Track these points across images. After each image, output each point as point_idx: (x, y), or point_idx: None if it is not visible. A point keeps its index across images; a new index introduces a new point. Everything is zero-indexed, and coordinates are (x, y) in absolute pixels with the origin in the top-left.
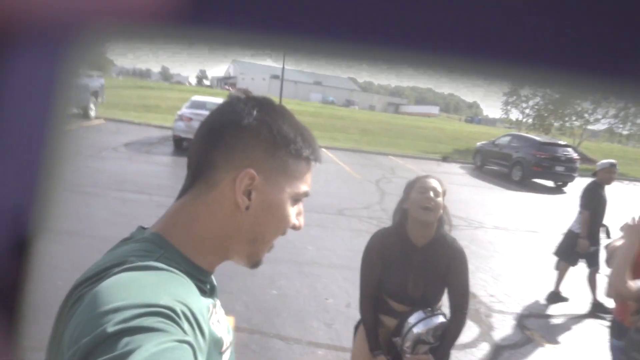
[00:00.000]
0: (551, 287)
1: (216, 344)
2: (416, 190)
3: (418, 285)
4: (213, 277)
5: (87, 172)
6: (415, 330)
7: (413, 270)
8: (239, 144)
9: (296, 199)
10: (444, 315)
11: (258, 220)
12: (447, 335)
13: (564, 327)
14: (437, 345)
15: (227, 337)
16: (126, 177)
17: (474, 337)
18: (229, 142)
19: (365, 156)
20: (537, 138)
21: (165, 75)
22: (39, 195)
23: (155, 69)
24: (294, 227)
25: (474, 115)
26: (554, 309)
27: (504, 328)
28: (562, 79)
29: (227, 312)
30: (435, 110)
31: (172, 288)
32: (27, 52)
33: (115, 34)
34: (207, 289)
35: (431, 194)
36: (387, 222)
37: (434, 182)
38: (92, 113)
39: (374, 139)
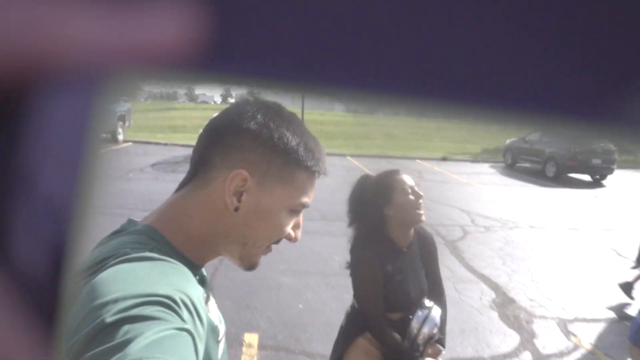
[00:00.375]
0: (594, 288)
1: (213, 332)
2: (401, 192)
3: (416, 288)
4: (203, 269)
5: (114, 193)
6: (424, 331)
7: (408, 274)
8: (237, 144)
9: (293, 209)
10: (435, 304)
11: (248, 224)
12: (442, 324)
13: (614, 332)
14: (439, 336)
15: (221, 326)
16: (152, 197)
17: (514, 345)
18: (228, 142)
19: (391, 161)
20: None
21: (191, 96)
22: (73, 216)
23: (182, 90)
24: (289, 239)
25: None
26: (601, 313)
27: (547, 335)
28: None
29: (251, 329)
30: None
31: (171, 277)
32: (63, 89)
33: (141, 75)
34: (199, 280)
35: (420, 192)
36: None
37: (412, 180)
38: (120, 137)
39: (399, 144)
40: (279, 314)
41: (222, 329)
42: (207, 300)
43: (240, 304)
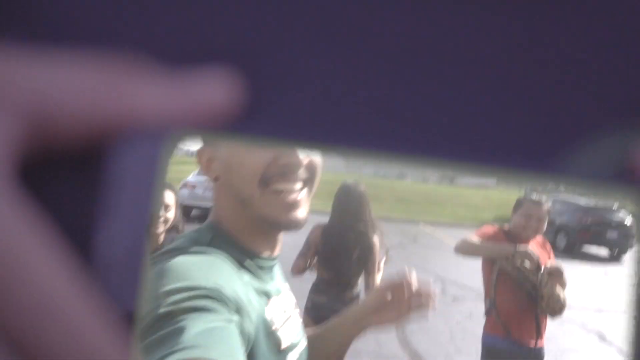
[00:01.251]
0: None
1: (269, 336)
2: None
3: None
4: (277, 267)
5: None
6: None
7: None
8: None
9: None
10: None
11: (230, 182)
12: None
13: None
14: None
15: (287, 335)
16: None
17: None
18: None
19: (389, 224)
20: (581, 202)
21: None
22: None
23: None
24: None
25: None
26: None
27: None
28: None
29: None
30: (492, 181)
31: (220, 271)
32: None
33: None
34: (260, 274)
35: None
36: None
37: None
38: None
39: (407, 207)
40: None
41: (288, 337)
42: (269, 298)
43: None
